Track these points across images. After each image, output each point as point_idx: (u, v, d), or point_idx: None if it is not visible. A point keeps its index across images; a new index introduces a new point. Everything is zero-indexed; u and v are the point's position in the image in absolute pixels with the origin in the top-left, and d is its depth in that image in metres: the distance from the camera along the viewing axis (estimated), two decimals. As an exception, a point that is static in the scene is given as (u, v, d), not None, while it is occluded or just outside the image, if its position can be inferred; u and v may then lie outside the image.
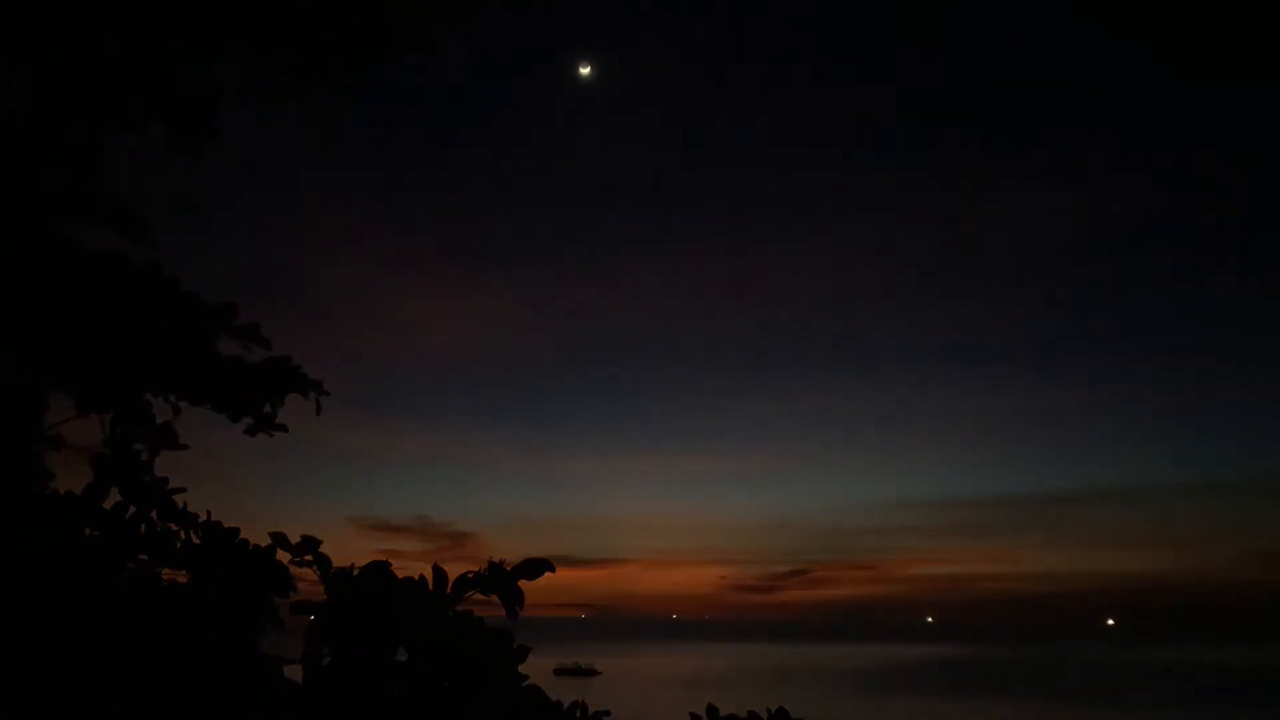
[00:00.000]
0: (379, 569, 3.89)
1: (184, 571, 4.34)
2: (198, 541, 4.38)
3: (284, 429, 6.35)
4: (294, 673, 3.96)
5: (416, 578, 3.89)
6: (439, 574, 3.90)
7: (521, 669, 3.78)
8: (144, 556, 4.37)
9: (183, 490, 4.72)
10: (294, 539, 4.13)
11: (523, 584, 3.88)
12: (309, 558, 4.05)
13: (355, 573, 3.89)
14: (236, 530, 4.39)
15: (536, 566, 3.87)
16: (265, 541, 4.31)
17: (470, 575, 3.90)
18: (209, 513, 4.53)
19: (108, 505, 4.51)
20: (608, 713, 3.85)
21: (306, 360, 6.45)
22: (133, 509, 4.50)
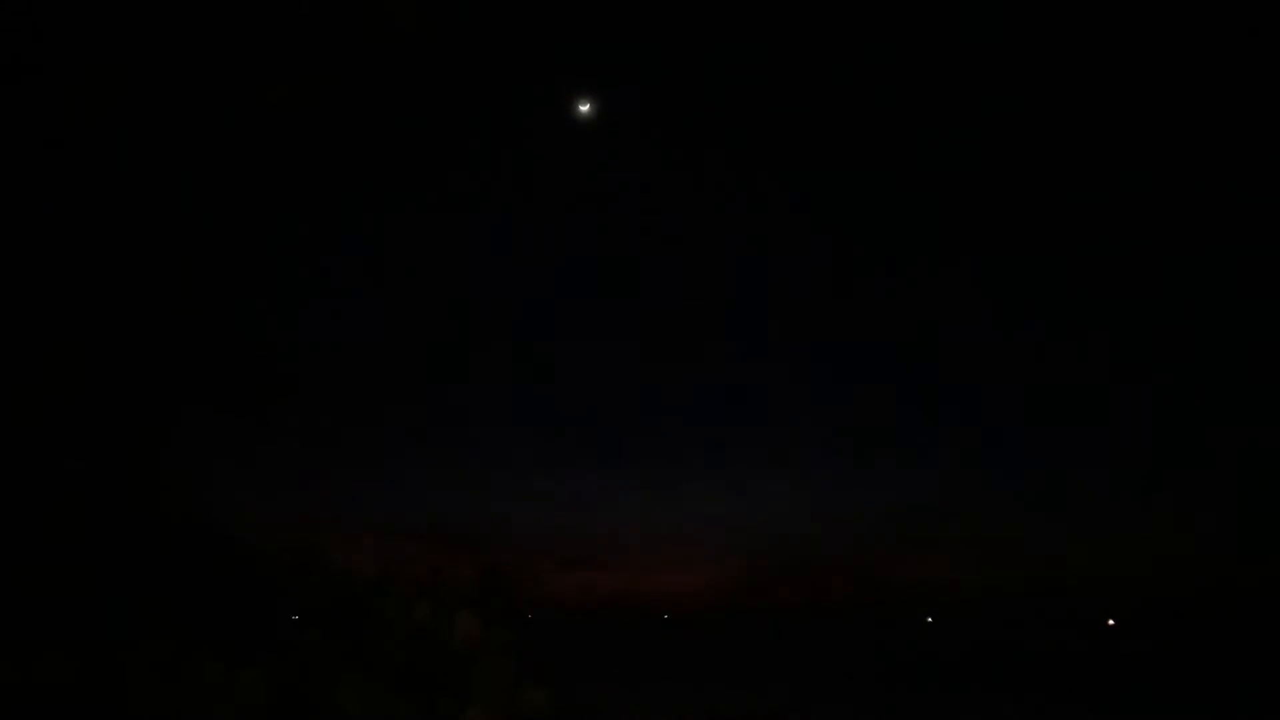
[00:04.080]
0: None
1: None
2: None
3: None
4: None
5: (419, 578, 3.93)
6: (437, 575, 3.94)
7: (518, 669, 3.81)
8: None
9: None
10: (303, 544, 4.15)
11: (523, 583, 3.90)
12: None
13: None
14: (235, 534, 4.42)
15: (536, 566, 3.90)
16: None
17: (468, 577, 3.93)
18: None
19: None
20: None
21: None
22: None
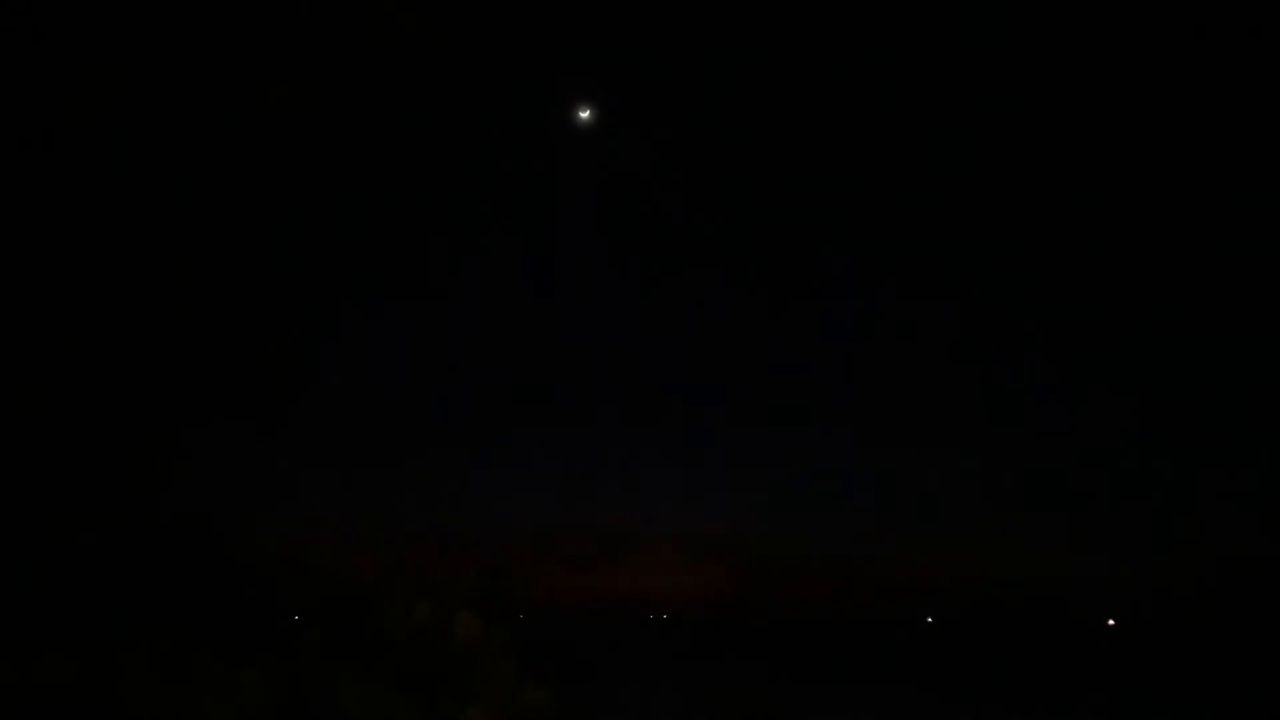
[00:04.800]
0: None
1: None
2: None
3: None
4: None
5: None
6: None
7: (518, 669, 3.82)
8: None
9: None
10: (304, 544, 4.16)
11: (523, 583, 3.92)
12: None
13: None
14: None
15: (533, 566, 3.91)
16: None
17: (468, 577, 3.94)
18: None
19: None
20: None
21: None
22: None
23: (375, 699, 5.59)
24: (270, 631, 6.02)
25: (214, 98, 5.98)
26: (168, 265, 6.40)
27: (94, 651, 5.25)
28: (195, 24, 5.82)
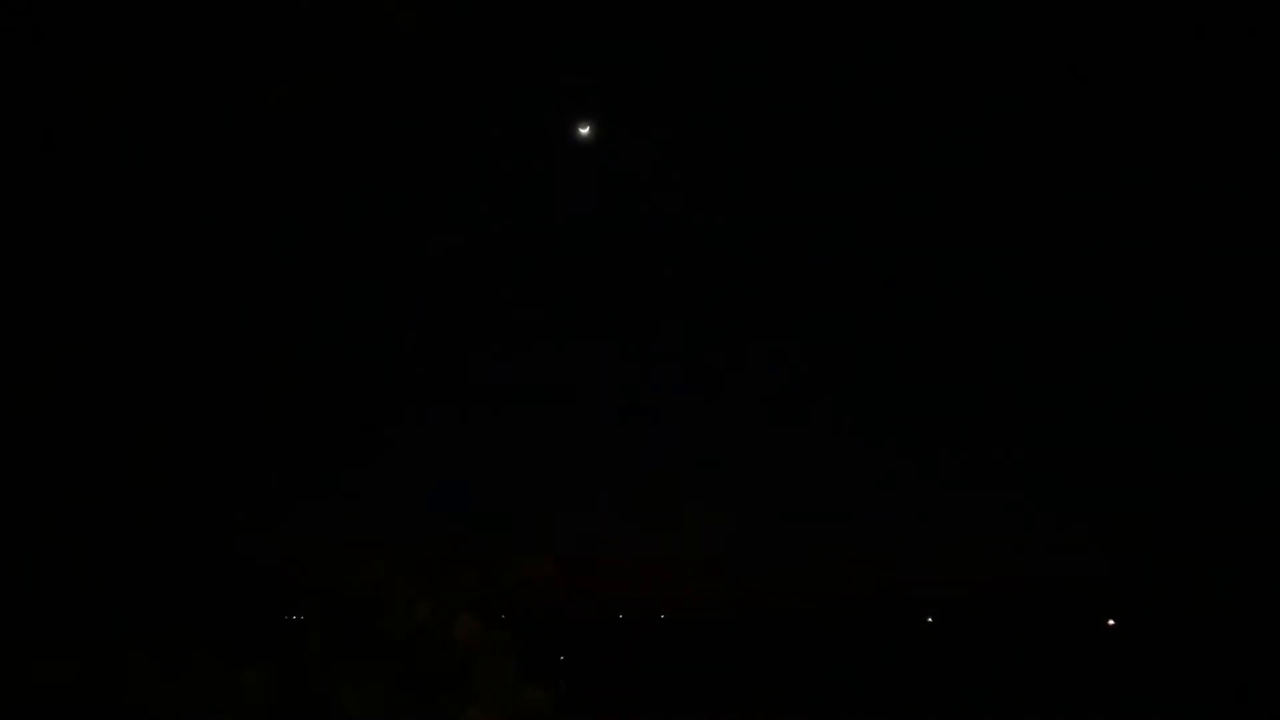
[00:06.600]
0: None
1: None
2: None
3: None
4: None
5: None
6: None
7: (518, 669, 3.82)
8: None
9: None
10: (304, 544, 4.16)
11: (523, 584, 3.91)
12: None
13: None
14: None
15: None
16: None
17: (469, 578, 3.94)
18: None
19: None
20: None
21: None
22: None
23: (375, 699, 5.59)
24: (270, 631, 6.02)
25: (213, 98, 5.99)
26: (166, 266, 6.41)
27: (94, 651, 5.25)
28: (195, 23, 5.82)
